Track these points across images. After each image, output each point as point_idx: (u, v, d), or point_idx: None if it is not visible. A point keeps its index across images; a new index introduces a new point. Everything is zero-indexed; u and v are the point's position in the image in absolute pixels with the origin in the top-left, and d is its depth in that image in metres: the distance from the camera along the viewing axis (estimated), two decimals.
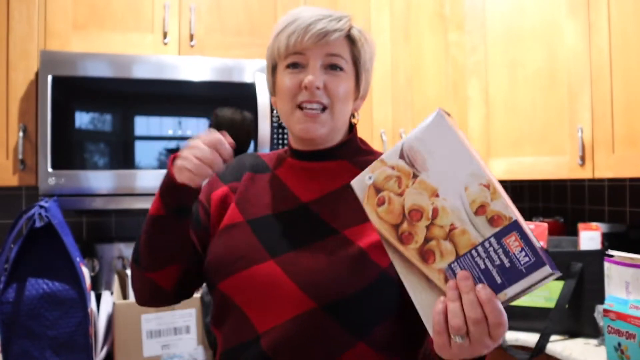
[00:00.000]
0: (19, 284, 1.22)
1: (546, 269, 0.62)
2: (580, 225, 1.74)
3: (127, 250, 1.89)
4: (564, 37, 1.91)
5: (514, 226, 0.65)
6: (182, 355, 1.43)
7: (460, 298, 0.64)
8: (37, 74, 1.62)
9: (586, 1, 1.83)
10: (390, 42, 2.04)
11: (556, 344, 1.61)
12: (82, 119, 1.59)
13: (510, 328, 1.76)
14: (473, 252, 0.66)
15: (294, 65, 0.88)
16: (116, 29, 1.72)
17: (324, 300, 0.81)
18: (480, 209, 0.66)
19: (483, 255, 0.65)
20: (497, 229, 0.65)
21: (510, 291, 0.64)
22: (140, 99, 1.66)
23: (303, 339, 0.82)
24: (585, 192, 2.34)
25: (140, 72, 1.64)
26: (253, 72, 1.75)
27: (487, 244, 0.65)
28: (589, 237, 1.71)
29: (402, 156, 0.70)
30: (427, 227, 0.68)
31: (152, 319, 1.42)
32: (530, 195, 2.63)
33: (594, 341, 1.63)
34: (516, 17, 2.04)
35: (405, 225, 0.69)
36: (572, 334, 1.69)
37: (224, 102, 1.72)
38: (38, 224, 1.24)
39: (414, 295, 0.69)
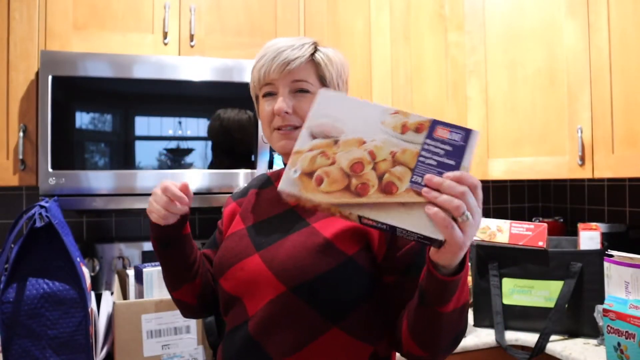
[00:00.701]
0: (20, 283, 1.22)
1: (476, 132, 0.76)
2: (580, 225, 1.75)
3: (127, 250, 1.89)
4: (564, 37, 1.91)
5: (435, 122, 0.76)
6: (182, 355, 1.43)
7: (439, 192, 0.70)
8: (37, 74, 1.62)
9: (586, 1, 1.83)
10: (390, 42, 2.05)
11: (556, 344, 1.62)
12: (83, 119, 1.59)
13: (510, 328, 1.76)
14: (420, 158, 0.74)
15: (268, 94, 1.00)
16: (116, 29, 1.72)
17: (291, 282, 0.90)
18: (404, 128, 0.76)
19: (429, 155, 0.74)
20: (425, 132, 0.75)
21: (465, 162, 0.75)
22: (141, 99, 1.66)
23: (278, 321, 0.92)
24: (585, 192, 2.34)
25: (141, 72, 1.64)
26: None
27: (426, 147, 0.74)
28: (589, 237, 1.71)
29: (313, 137, 0.77)
30: (373, 169, 0.74)
31: (152, 319, 1.42)
32: (530, 195, 2.63)
33: (593, 341, 1.64)
34: (516, 17, 2.04)
35: (354, 180, 0.74)
36: (571, 333, 1.69)
37: (224, 102, 1.72)
38: (38, 224, 1.24)
39: (406, 225, 0.71)
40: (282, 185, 0.75)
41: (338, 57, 1.03)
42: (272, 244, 0.97)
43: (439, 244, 0.71)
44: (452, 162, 0.74)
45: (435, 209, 0.69)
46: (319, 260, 0.91)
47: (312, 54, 1.00)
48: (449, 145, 0.75)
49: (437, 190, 0.70)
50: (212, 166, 1.71)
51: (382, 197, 0.73)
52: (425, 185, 0.71)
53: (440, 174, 0.72)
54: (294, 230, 0.97)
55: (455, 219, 0.69)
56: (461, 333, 0.86)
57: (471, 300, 1.92)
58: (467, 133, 0.75)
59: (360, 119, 0.77)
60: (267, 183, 1.12)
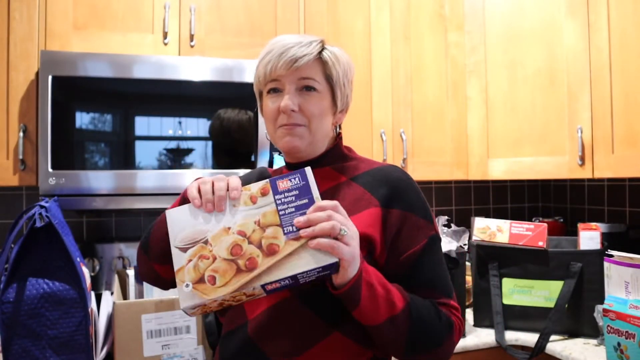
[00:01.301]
0: (20, 283, 1.22)
1: (307, 169, 0.87)
2: (580, 225, 1.75)
3: (127, 250, 1.89)
4: (564, 37, 1.91)
5: (273, 180, 0.87)
6: (182, 355, 1.43)
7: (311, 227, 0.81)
8: (37, 74, 1.62)
9: (586, 1, 1.83)
10: (390, 42, 2.05)
11: (556, 344, 1.62)
12: (83, 119, 1.59)
13: (510, 328, 1.76)
14: (280, 213, 0.84)
15: (273, 90, 0.99)
16: (116, 29, 1.72)
17: (297, 288, 0.91)
18: (252, 199, 0.86)
19: (285, 207, 0.84)
20: (270, 191, 0.86)
21: (315, 194, 0.85)
22: (141, 99, 1.66)
23: (280, 325, 0.92)
24: (585, 192, 2.34)
25: (141, 72, 1.64)
26: (253, 72, 1.75)
27: (278, 202, 0.85)
28: (589, 237, 1.71)
29: (184, 250, 0.85)
30: (250, 243, 0.83)
31: (152, 319, 1.42)
32: (530, 195, 2.63)
33: (593, 341, 1.64)
34: (516, 17, 2.04)
35: (240, 261, 0.82)
36: (571, 333, 1.69)
37: (224, 102, 1.72)
38: (38, 224, 1.24)
39: (302, 268, 0.80)
40: (183, 304, 0.81)
41: (344, 57, 1.03)
42: None
43: (336, 267, 0.81)
44: (305, 200, 0.85)
45: (316, 240, 0.79)
46: None
47: (320, 52, 0.99)
48: (295, 190, 0.86)
49: (309, 226, 0.80)
50: (212, 166, 1.71)
51: (270, 259, 0.81)
52: (298, 230, 0.81)
53: (302, 214, 0.83)
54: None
55: (336, 238, 0.80)
56: (422, 335, 0.90)
57: (471, 300, 1.91)
58: (302, 173, 0.87)
59: (213, 214, 0.86)
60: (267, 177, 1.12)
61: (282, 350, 0.91)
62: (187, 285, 0.82)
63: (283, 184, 0.86)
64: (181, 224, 0.86)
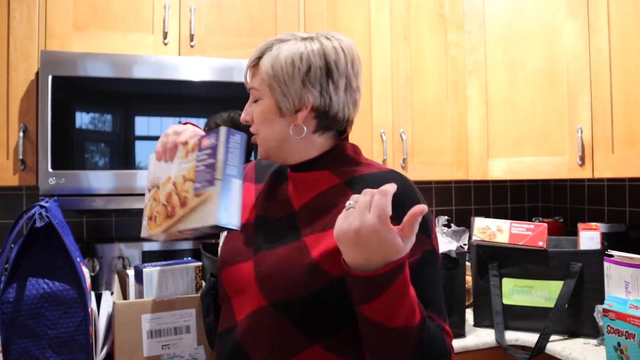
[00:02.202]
0: (20, 283, 1.22)
1: (224, 129, 0.90)
2: (580, 225, 1.75)
3: (127, 250, 1.89)
4: (564, 37, 1.91)
5: (201, 137, 0.94)
6: (182, 355, 1.43)
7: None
8: (37, 74, 1.62)
9: (585, 1, 1.83)
10: (390, 42, 2.05)
11: (556, 344, 1.62)
12: (83, 119, 1.59)
13: (510, 328, 1.76)
14: (197, 170, 0.92)
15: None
16: (116, 29, 1.72)
17: (273, 298, 0.90)
18: (187, 154, 0.95)
19: (200, 165, 0.92)
20: (197, 148, 0.93)
21: (220, 156, 0.89)
22: (141, 99, 1.66)
23: (261, 333, 0.91)
24: (585, 192, 2.34)
25: (141, 72, 1.64)
26: None
27: (198, 159, 0.92)
28: (589, 237, 1.71)
29: (148, 190, 1.04)
30: (177, 194, 0.95)
31: (152, 319, 1.42)
32: (530, 195, 2.63)
33: (593, 341, 1.64)
34: (516, 17, 2.04)
35: (169, 208, 0.97)
36: (571, 333, 1.69)
37: (224, 102, 1.72)
38: (38, 224, 1.24)
39: (198, 223, 0.90)
40: (142, 233, 1.03)
41: (289, 52, 0.93)
42: (264, 249, 0.95)
43: (221, 228, 0.88)
44: (212, 161, 0.89)
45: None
46: (304, 281, 0.87)
47: (260, 58, 0.97)
48: (209, 149, 0.90)
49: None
50: None
51: (183, 210, 0.92)
52: (201, 187, 0.90)
53: (210, 174, 0.88)
54: (285, 242, 0.94)
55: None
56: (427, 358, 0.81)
57: (471, 300, 1.91)
58: (216, 133, 0.89)
59: (167, 163, 0.99)
60: (283, 174, 1.05)
61: (264, 357, 0.90)
62: (144, 220, 1.03)
63: (204, 142, 0.92)
64: (150, 169, 1.04)
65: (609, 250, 1.59)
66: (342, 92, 0.95)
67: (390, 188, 0.74)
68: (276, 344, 0.90)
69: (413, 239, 0.75)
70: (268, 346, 0.90)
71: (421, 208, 0.73)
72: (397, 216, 0.82)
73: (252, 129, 1.00)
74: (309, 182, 0.98)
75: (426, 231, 0.90)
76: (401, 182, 0.92)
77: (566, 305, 1.67)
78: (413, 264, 0.87)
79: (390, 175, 0.93)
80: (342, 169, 0.97)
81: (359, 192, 0.87)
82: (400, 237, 0.74)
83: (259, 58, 0.97)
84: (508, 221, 1.78)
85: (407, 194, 0.90)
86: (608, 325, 1.44)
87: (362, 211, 0.73)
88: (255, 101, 0.98)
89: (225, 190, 0.88)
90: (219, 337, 1.01)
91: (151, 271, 1.45)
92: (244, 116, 1.00)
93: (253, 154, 1.75)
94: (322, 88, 0.94)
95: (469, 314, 1.91)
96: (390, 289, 0.75)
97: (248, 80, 1.00)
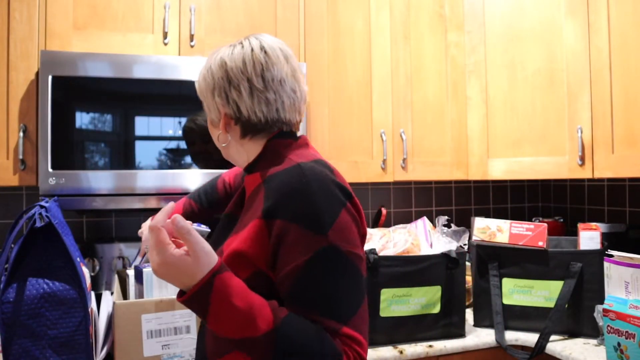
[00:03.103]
0: (20, 283, 1.22)
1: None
2: (580, 225, 1.75)
3: (127, 250, 1.89)
4: (564, 37, 1.91)
5: None
6: (182, 355, 1.43)
7: None
8: (37, 74, 1.62)
9: (585, 1, 1.83)
10: (390, 42, 2.05)
11: (556, 344, 1.62)
12: (82, 119, 1.59)
13: (510, 328, 1.76)
14: None
15: None
16: (116, 29, 1.72)
17: None
18: None
19: None
20: None
21: None
22: (141, 99, 1.66)
23: (201, 333, 1.02)
24: (585, 192, 2.34)
25: (141, 72, 1.64)
26: None
27: None
28: (589, 237, 1.71)
29: None
30: None
31: (152, 319, 1.42)
32: (530, 195, 2.63)
33: (593, 341, 1.64)
34: (515, 17, 2.04)
35: None
36: (571, 333, 1.69)
37: None
38: (38, 224, 1.24)
39: None
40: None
41: (206, 68, 1.01)
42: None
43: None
44: None
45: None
46: None
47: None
48: None
49: None
50: (212, 166, 1.71)
51: None
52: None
53: None
54: (218, 245, 0.98)
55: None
56: None
57: (471, 300, 1.92)
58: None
59: None
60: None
61: (207, 350, 0.98)
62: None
63: None
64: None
65: (609, 250, 1.59)
66: (247, 96, 0.96)
67: (167, 209, 0.83)
68: (210, 345, 0.97)
69: (202, 251, 0.79)
70: (208, 347, 0.98)
71: (174, 219, 0.79)
72: (285, 212, 0.85)
73: None
74: (248, 185, 1.02)
75: (317, 227, 0.85)
76: (296, 177, 0.89)
77: (566, 305, 1.67)
78: (301, 266, 0.84)
79: (287, 172, 0.91)
80: (267, 168, 0.97)
81: (269, 192, 0.89)
82: (190, 257, 0.79)
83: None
84: (508, 221, 1.78)
85: (302, 189, 0.87)
86: (608, 325, 1.44)
87: (151, 252, 0.80)
88: None
89: None
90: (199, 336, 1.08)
91: (151, 271, 1.45)
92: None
93: None
94: (227, 97, 0.97)
95: (469, 314, 1.91)
96: (211, 308, 0.79)
97: None
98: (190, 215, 1.38)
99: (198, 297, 0.79)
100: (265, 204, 0.88)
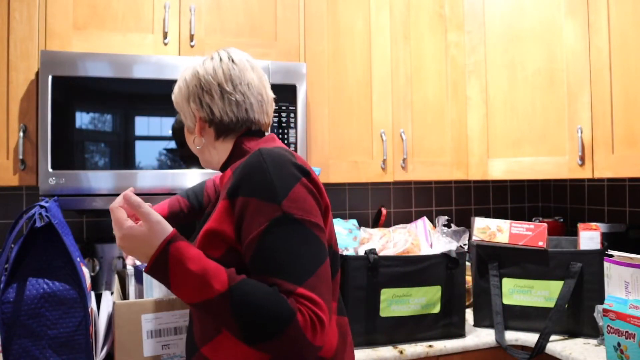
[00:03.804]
0: (20, 283, 1.22)
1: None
2: (580, 225, 1.75)
3: None
4: (564, 37, 1.91)
5: None
6: (182, 355, 1.43)
7: None
8: (37, 74, 1.62)
9: (585, 1, 1.83)
10: (390, 42, 2.05)
11: (556, 344, 1.62)
12: (82, 119, 1.59)
13: (510, 328, 1.76)
14: None
15: None
16: (116, 29, 1.72)
17: None
18: None
19: None
20: None
21: None
22: (141, 99, 1.66)
23: (190, 324, 1.10)
24: (585, 192, 2.34)
25: (141, 73, 1.64)
26: None
27: None
28: (589, 237, 1.71)
29: None
30: None
31: (152, 319, 1.42)
32: (530, 195, 2.63)
33: (593, 341, 1.64)
34: (515, 17, 2.04)
35: None
36: (571, 333, 1.69)
37: None
38: (38, 224, 1.24)
39: None
40: None
41: (182, 78, 1.13)
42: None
43: None
44: None
45: None
46: None
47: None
48: None
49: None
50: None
51: None
52: None
53: None
54: (197, 231, 1.09)
55: None
56: (252, 324, 0.87)
57: (471, 300, 1.92)
58: None
59: None
60: None
61: (196, 338, 1.04)
62: None
63: None
64: None
65: (609, 250, 1.59)
66: (218, 99, 1.07)
67: (125, 194, 0.95)
68: (198, 332, 1.03)
69: (154, 220, 0.90)
70: (196, 336, 1.04)
71: (125, 195, 0.94)
72: (244, 189, 0.93)
73: None
74: (221, 180, 1.12)
75: (272, 198, 0.92)
76: (254, 157, 0.96)
77: (566, 305, 1.67)
78: (258, 234, 0.91)
79: (249, 156, 0.98)
80: (236, 163, 1.07)
81: (233, 178, 0.97)
82: (144, 226, 0.90)
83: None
84: (508, 221, 1.78)
85: (256, 167, 0.95)
86: (608, 325, 1.44)
87: (114, 230, 0.94)
88: None
89: None
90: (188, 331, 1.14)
91: None
92: None
93: None
94: (200, 101, 1.08)
95: (469, 314, 1.91)
96: (171, 275, 0.88)
97: None
98: (178, 214, 1.38)
99: (157, 264, 0.89)
100: (229, 186, 0.97)
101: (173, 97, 1.15)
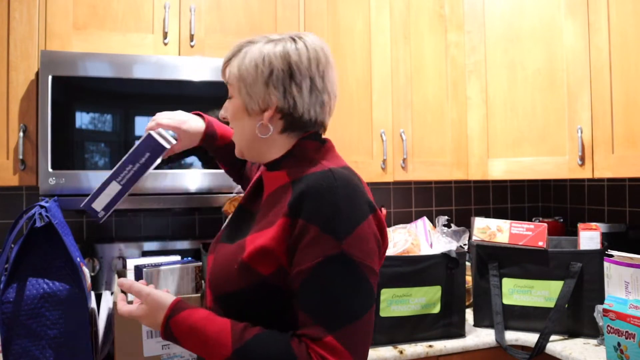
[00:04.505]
0: (20, 283, 1.22)
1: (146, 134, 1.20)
2: (580, 225, 1.75)
3: (127, 250, 1.89)
4: (564, 37, 1.91)
5: None
6: (182, 355, 1.43)
7: None
8: (37, 74, 1.62)
9: (585, 1, 1.83)
10: (390, 42, 2.05)
11: (556, 344, 1.62)
12: (83, 119, 1.59)
13: (510, 328, 1.76)
14: None
15: None
16: (116, 29, 1.72)
17: (215, 292, 0.98)
18: None
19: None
20: None
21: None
22: (141, 99, 1.66)
23: None
24: (585, 192, 2.34)
25: (141, 72, 1.64)
26: None
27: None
28: (589, 237, 1.71)
29: None
30: None
31: None
32: (530, 195, 2.63)
33: (593, 341, 1.64)
34: (515, 17, 2.04)
35: None
36: (571, 333, 1.69)
37: (224, 102, 1.71)
38: (38, 223, 1.24)
39: None
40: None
41: (254, 55, 0.97)
42: (223, 243, 1.03)
43: (85, 211, 1.21)
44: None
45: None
46: (233, 279, 0.94)
47: (231, 59, 1.02)
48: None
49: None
50: (213, 166, 1.71)
51: None
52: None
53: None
54: (236, 239, 0.98)
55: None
56: None
57: (471, 300, 1.92)
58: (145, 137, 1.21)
59: None
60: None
61: None
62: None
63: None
64: None
65: (609, 250, 1.59)
66: (307, 94, 0.96)
67: (118, 282, 1.02)
68: None
69: (149, 298, 0.97)
70: None
71: (119, 282, 1.01)
72: (308, 213, 0.86)
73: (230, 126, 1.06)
74: (270, 181, 1.01)
75: (334, 232, 0.86)
76: (325, 180, 0.90)
77: (566, 305, 1.67)
78: (311, 267, 0.86)
79: (315, 175, 0.91)
80: (296, 168, 0.97)
81: (297, 191, 0.90)
82: (144, 305, 0.98)
83: (230, 59, 1.02)
84: (508, 221, 1.78)
85: (326, 193, 0.88)
86: (608, 325, 1.44)
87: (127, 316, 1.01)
88: (230, 98, 1.04)
89: (102, 186, 1.16)
90: None
91: (151, 271, 1.45)
92: (222, 112, 1.06)
93: None
94: (285, 90, 0.95)
95: (469, 314, 1.91)
96: (182, 342, 0.93)
97: (225, 78, 1.05)
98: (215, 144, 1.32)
99: (167, 337, 0.95)
100: (292, 203, 0.89)
101: (236, 70, 0.99)
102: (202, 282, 1.47)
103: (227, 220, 1.11)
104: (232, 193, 1.69)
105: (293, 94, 0.95)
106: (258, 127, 0.99)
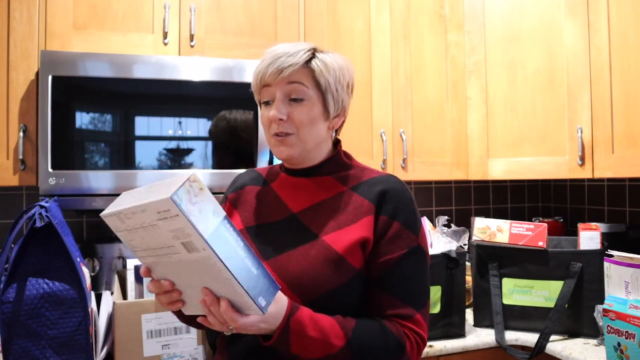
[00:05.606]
0: (20, 283, 1.22)
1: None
2: (580, 225, 1.75)
3: (127, 250, 1.89)
4: (564, 37, 1.91)
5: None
6: (182, 355, 1.43)
7: None
8: (37, 74, 1.62)
9: (585, 1, 1.83)
10: (390, 42, 2.05)
11: (556, 344, 1.62)
12: (83, 119, 1.59)
13: (510, 328, 1.76)
14: None
15: (266, 103, 1.03)
16: (116, 29, 1.72)
17: (305, 296, 0.95)
18: None
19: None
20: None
21: None
22: (141, 99, 1.66)
23: None
24: (585, 192, 2.34)
25: (141, 73, 1.64)
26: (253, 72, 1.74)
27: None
28: (589, 237, 1.71)
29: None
30: None
31: (152, 318, 1.42)
32: (530, 195, 2.63)
33: (593, 341, 1.64)
34: (515, 17, 2.04)
35: None
36: (571, 333, 1.69)
37: (224, 103, 1.72)
38: (38, 224, 1.24)
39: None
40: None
41: (336, 63, 1.04)
42: (280, 254, 0.99)
43: None
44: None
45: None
46: (332, 276, 0.95)
47: (308, 61, 1.01)
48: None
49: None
50: (213, 166, 1.71)
51: None
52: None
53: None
54: (304, 243, 0.99)
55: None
56: None
57: (471, 300, 1.92)
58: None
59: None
60: (259, 180, 1.14)
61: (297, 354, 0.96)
62: None
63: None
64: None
65: (609, 250, 1.59)
66: (348, 100, 1.09)
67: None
68: None
69: (249, 315, 0.82)
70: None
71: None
72: (391, 211, 0.99)
73: (287, 129, 1.01)
74: (308, 187, 1.06)
75: (413, 229, 1.01)
76: (400, 184, 1.04)
77: (566, 305, 1.67)
78: (397, 258, 0.98)
79: (387, 178, 1.05)
80: (342, 173, 1.07)
81: (367, 197, 1.01)
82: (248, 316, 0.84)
83: (308, 61, 1.01)
84: (508, 221, 1.78)
85: (404, 195, 1.03)
86: (608, 325, 1.44)
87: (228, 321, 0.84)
88: (295, 100, 1.01)
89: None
90: (230, 340, 1.02)
91: None
92: (278, 115, 0.99)
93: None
94: (348, 95, 1.08)
95: (469, 314, 1.91)
96: (292, 345, 0.88)
97: (290, 78, 1.00)
98: None
99: (280, 341, 0.88)
100: (374, 202, 1.01)
101: (326, 72, 1.02)
102: None
103: (255, 238, 1.04)
104: None
105: (348, 100, 1.09)
106: (329, 131, 1.07)
